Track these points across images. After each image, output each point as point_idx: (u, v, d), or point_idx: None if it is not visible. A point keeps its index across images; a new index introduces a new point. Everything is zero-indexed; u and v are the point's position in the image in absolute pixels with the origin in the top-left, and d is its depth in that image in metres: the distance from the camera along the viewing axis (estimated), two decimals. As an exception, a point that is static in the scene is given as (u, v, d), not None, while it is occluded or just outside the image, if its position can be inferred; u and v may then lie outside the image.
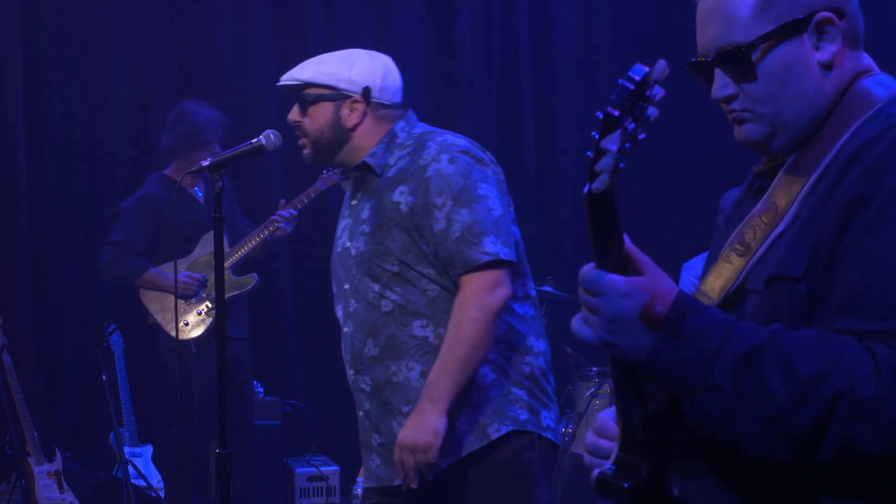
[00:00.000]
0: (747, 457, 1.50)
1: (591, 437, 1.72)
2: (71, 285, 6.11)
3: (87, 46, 6.16)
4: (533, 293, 3.06)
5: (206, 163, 3.04)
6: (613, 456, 1.63)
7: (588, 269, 1.50)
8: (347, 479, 5.95)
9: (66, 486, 4.93)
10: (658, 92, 1.43)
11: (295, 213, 5.41)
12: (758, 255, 1.59)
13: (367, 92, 3.02)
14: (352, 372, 3.06)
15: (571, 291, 6.01)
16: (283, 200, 5.49)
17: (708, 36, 1.63)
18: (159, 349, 5.45)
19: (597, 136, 1.42)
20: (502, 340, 2.95)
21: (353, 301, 3.03)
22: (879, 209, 1.47)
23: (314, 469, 5.97)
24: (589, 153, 1.43)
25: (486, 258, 2.87)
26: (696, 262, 5.83)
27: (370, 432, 3.04)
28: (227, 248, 5.34)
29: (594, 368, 5.79)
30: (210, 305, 5.28)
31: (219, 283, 3.05)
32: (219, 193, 2.99)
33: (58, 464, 4.97)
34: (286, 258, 6.43)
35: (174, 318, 4.64)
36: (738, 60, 1.60)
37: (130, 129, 6.27)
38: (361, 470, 5.88)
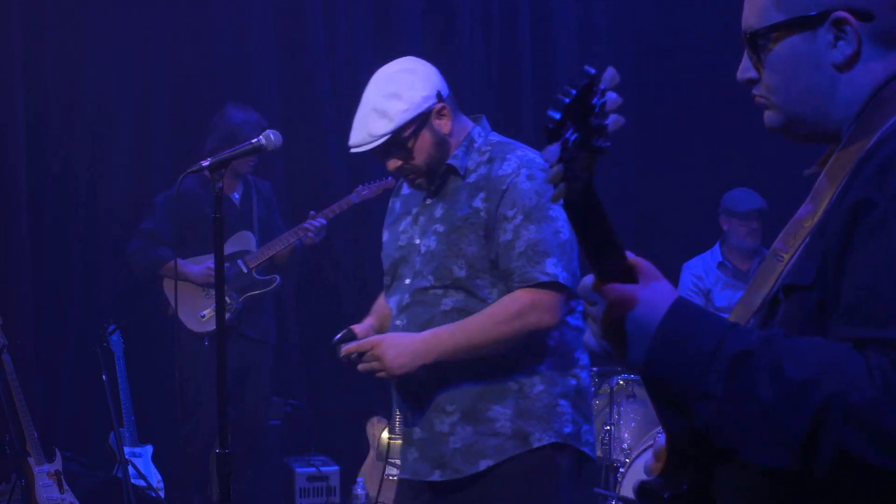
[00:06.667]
0: (776, 472, 1.44)
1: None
2: (71, 285, 6.11)
3: (87, 46, 6.17)
4: (581, 307, 3.06)
5: (205, 163, 3.03)
6: (661, 467, 1.63)
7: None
8: (347, 479, 5.94)
9: (66, 486, 4.93)
10: (609, 99, 1.36)
11: (325, 222, 5.51)
12: (792, 261, 1.55)
13: (440, 96, 3.07)
14: None
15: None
16: (312, 212, 5.56)
17: (745, 16, 1.63)
18: (174, 343, 5.50)
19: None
20: (554, 352, 2.99)
21: (408, 296, 3.05)
22: (882, 213, 1.41)
23: (314, 469, 5.97)
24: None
25: (544, 278, 2.91)
26: (697, 262, 5.83)
27: (412, 426, 3.07)
28: (254, 249, 5.52)
29: (594, 368, 5.78)
30: (229, 300, 5.31)
31: (219, 282, 3.05)
32: (219, 194, 2.98)
33: (58, 464, 4.96)
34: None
35: (191, 311, 4.63)
36: (753, 46, 1.60)
37: (131, 128, 6.28)
38: (362, 469, 5.90)
